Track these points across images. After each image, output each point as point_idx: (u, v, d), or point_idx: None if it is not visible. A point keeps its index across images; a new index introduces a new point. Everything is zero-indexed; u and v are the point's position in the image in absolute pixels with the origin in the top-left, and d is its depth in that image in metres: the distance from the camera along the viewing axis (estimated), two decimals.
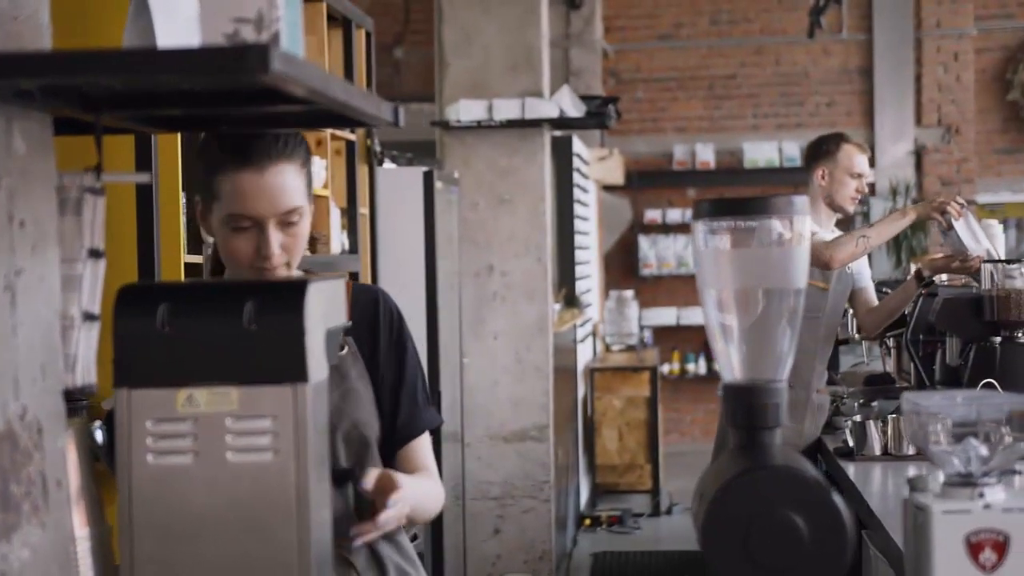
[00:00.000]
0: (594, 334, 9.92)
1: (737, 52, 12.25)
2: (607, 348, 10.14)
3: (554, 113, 6.34)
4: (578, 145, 9.03)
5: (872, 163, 11.84)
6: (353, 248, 5.15)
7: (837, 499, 1.61)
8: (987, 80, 12.22)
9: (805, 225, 1.79)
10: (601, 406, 8.97)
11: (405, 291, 5.58)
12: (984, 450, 1.73)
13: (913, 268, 5.08)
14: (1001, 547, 1.69)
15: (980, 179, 12.21)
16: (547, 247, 6.62)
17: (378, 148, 5.39)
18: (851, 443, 4.36)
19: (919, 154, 12.02)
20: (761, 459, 1.70)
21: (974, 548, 1.69)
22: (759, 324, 1.80)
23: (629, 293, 10.20)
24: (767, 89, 12.22)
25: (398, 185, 5.69)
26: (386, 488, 2.08)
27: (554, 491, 6.74)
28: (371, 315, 2.38)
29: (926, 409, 1.75)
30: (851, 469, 4.19)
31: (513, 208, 6.57)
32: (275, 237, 2.12)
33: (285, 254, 2.15)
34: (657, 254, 11.91)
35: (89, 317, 1.54)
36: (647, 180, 11.99)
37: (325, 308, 1.70)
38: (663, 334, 11.61)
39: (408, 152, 7.52)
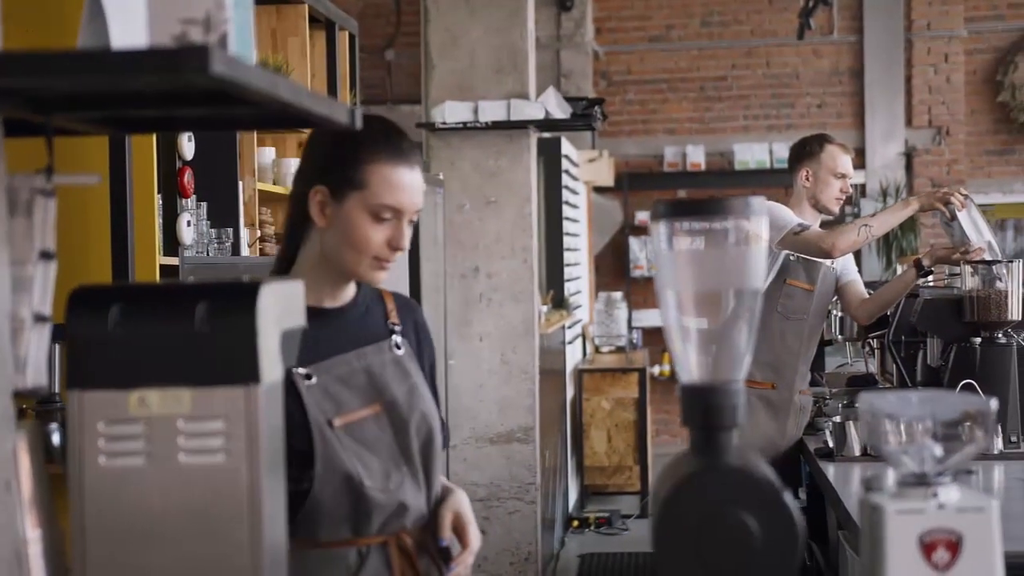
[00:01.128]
0: (583, 336, 9.93)
1: (728, 54, 12.26)
2: (596, 350, 10.14)
3: (540, 115, 6.35)
4: (567, 147, 9.03)
5: (862, 164, 11.96)
6: None
7: (789, 500, 1.61)
8: (978, 81, 12.23)
9: (763, 226, 1.79)
10: (590, 407, 8.97)
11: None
12: (938, 450, 1.74)
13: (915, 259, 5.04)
14: (954, 547, 1.70)
15: (971, 180, 12.21)
16: (533, 249, 6.62)
17: None
18: (831, 444, 4.36)
19: (909, 155, 12.03)
20: (715, 460, 1.71)
21: (927, 548, 1.70)
22: (717, 325, 1.81)
23: (618, 295, 10.20)
24: (758, 91, 12.23)
25: None
26: (458, 528, 2.44)
27: (540, 493, 6.74)
28: (412, 326, 2.51)
29: (880, 409, 1.75)
30: (831, 470, 4.19)
31: (499, 210, 6.57)
32: (407, 233, 2.28)
33: (403, 251, 2.31)
34: (648, 256, 11.92)
35: (40, 319, 1.55)
36: (638, 182, 11.99)
37: (281, 310, 1.70)
38: (654, 336, 11.61)
39: None
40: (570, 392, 8.83)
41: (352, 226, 2.25)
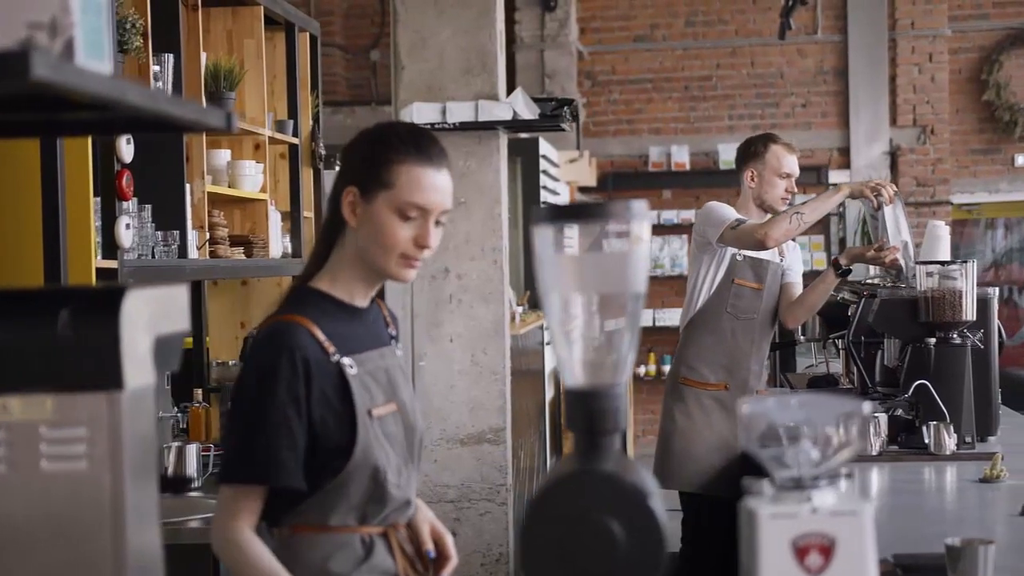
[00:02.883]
0: None
1: (712, 54, 12.25)
2: None
3: (507, 115, 6.34)
4: (545, 147, 9.02)
5: (847, 164, 11.94)
6: (296, 252, 5.15)
7: (656, 507, 1.61)
8: (963, 80, 12.22)
9: (644, 230, 1.79)
10: None
11: None
12: (815, 454, 1.73)
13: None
14: (827, 550, 1.69)
15: (956, 179, 12.22)
16: (503, 249, 6.61)
17: (323, 151, 5.39)
18: None
19: (894, 155, 12.02)
20: (592, 464, 1.70)
21: (800, 552, 1.69)
22: (598, 328, 1.81)
23: None
24: (742, 90, 12.22)
25: None
26: (436, 539, 2.56)
27: (513, 494, 6.74)
28: (397, 336, 2.66)
29: (758, 412, 1.75)
30: None
31: (469, 211, 6.56)
32: (434, 232, 2.40)
33: (430, 249, 2.41)
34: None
35: None
36: (623, 182, 11.99)
37: (155, 315, 1.69)
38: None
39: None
40: (549, 393, 8.81)
41: (380, 224, 2.36)
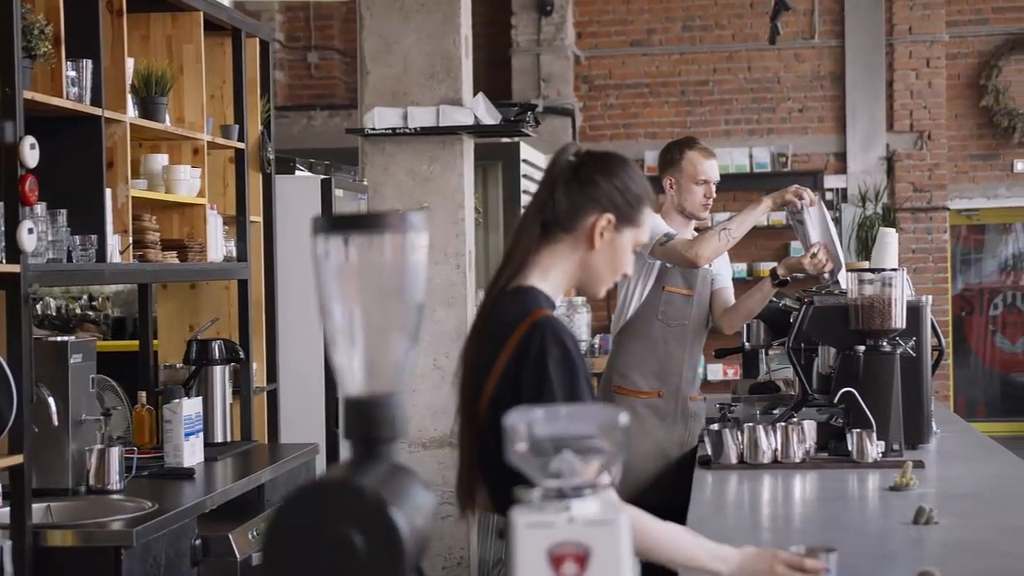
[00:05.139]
0: None
1: (709, 58, 12.24)
2: None
3: (469, 120, 6.35)
4: (528, 151, 9.04)
5: (843, 169, 11.91)
6: (242, 255, 5.18)
7: (396, 517, 1.62)
8: (961, 86, 12.18)
9: (421, 240, 1.81)
10: None
11: (307, 300, 5.61)
12: (576, 464, 1.75)
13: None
14: (582, 559, 1.71)
15: (955, 185, 12.17)
16: (467, 254, 6.62)
17: (271, 156, 5.41)
18: (709, 451, 4.36)
19: (891, 160, 11.98)
20: (360, 473, 1.72)
21: (556, 561, 1.71)
22: (377, 337, 1.82)
23: (580, 299, 10.18)
24: (739, 95, 12.21)
25: (300, 193, 5.72)
26: None
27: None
28: None
29: (522, 422, 1.76)
30: (708, 478, 4.18)
31: (432, 215, 6.57)
32: None
33: None
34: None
35: None
36: None
37: None
38: None
39: (339, 160, 7.55)
40: None
41: (621, 253, 2.63)
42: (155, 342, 5.44)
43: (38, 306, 9.33)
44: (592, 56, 12.33)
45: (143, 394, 5.03)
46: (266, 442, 5.46)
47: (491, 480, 2.68)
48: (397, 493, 1.69)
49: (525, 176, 8.83)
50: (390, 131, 6.38)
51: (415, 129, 6.37)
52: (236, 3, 11.10)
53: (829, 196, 11.97)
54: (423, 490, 1.79)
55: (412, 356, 1.83)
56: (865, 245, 11.59)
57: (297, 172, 6.18)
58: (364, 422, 1.79)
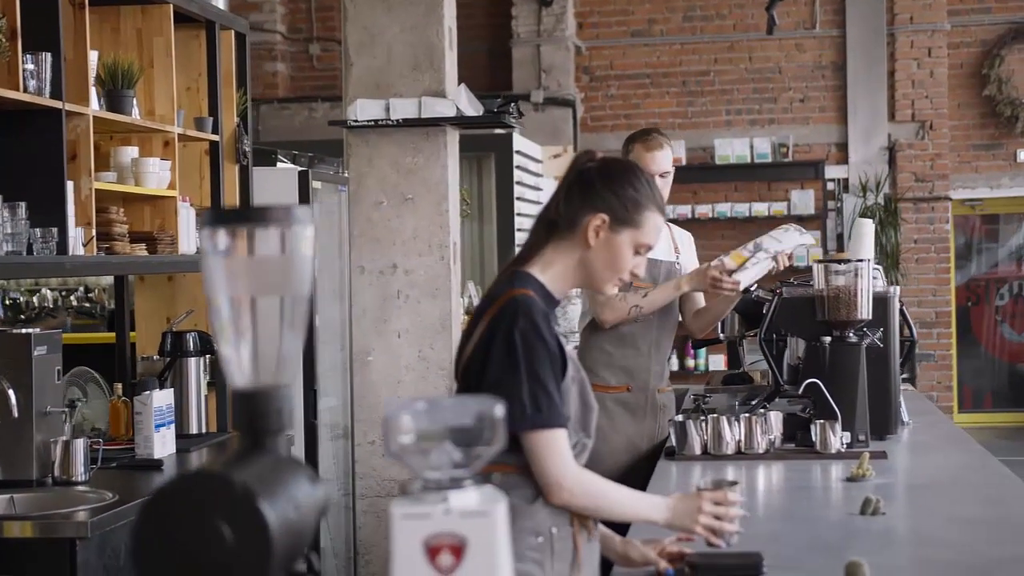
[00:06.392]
0: None
1: (710, 48, 12.22)
2: None
3: (451, 112, 6.35)
4: (522, 142, 9.03)
5: (845, 159, 11.88)
6: None
7: (266, 508, 1.62)
8: (964, 75, 12.13)
9: (306, 234, 1.82)
10: None
11: None
12: (457, 455, 1.75)
13: None
14: (458, 550, 1.71)
15: (958, 174, 12.13)
16: (451, 246, 6.63)
17: (247, 148, 5.43)
18: (673, 442, 4.36)
19: (892, 150, 11.95)
20: (244, 464, 1.73)
21: (432, 551, 1.71)
22: (263, 330, 1.83)
23: (574, 291, 10.16)
24: (740, 85, 12.19)
25: (278, 186, 5.73)
26: None
27: None
28: None
29: (397, 415, 1.77)
30: (672, 469, 4.18)
31: (416, 207, 6.58)
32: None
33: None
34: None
35: None
36: None
37: None
38: None
39: (327, 152, 7.57)
40: None
41: (619, 254, 2.73)
42: (132, 334, 5.46)
43: (35, 298, 9.39)
44: (593, 47, 12.32)
45: (119, 386, 5.05)
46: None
47: None
48: (274, 485, 1.70)
49: (519, 167, 8.82)
50: (372, 123, 6.40)
51: (397, 121, 6.38)
52: None
53: (831, 186, 11.95)
54: (308, 483, 1.80)
55: (298, 350, 1.84)
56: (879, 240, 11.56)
57: (279, 164, 6.19)
58: (250, 414, 1.80)
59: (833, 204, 11.95)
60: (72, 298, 9.20)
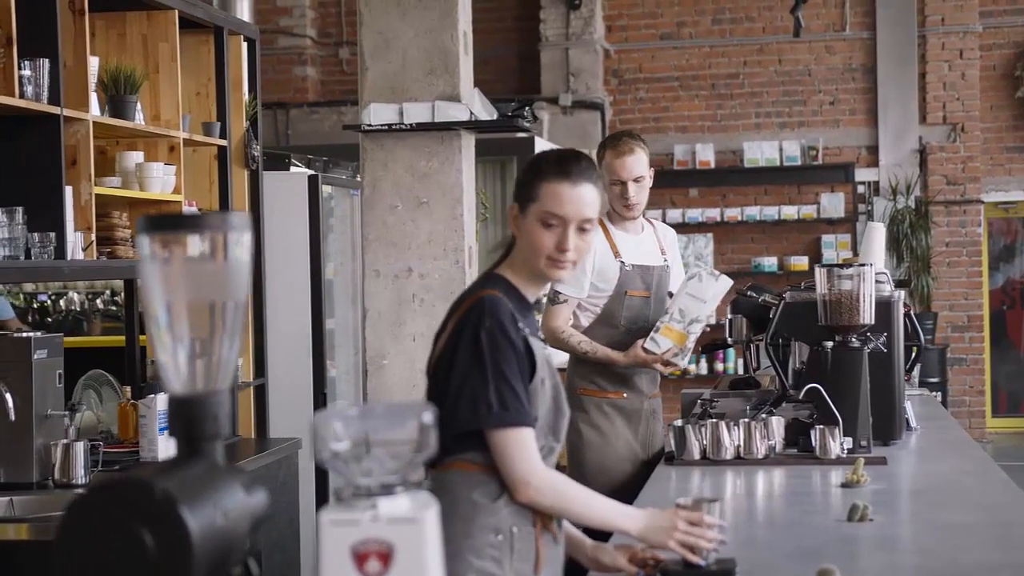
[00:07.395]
0: None
1: (739, 51, 12.18)
2: None
3: (464, 116, 6.35)
4: (545, 146, 9.02)
5: (875, 162, 11.80)
6: None
7: (187, 516, 1.62)
8: (996, 77, 12.03)
9: (243, 240, 1.82)
10: None
11: (295, 294, 5.65)
12: (388, 462, 1.75)
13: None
14: (386, 556, 1.71)
15: (991, 177, 12.02)
16: (466, 250, 6.63)
17: (257, 153, 5.45)
18: (672, 447, 4.34)
19: (923, 153, 11.86)
20: (177, 469, 1.74)
21: (360, 558, 1.71)
22: (199, 336, 1.84)
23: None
24: (769, 88, 12.14)
25: (288, 190, 5.75)
26: None
27: None
28: None
29: (331, 420, 1.77)
30: (672, 474, 4.17)
31: (431, 211, 6.59)
32: (572, 238, 2.69)
33: (575, 254, 2.72)
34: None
35: None
36: None
37: None
38: None
39: (354, 157, 7.58)
40: None
41: (530, 232, 2.73)
42: (143, 337, 5.48)
43: (62, 301, 9.47)
44: (621, 50, 12.30)
45: (128, 389, 5.08)
46: (252, 437, 5.50)
47: None
48: (201, 491, 1.70)
49: None
50: (386, 127, 6.41)
51: (411, 125, 6.39)
52: None
53: (861, 189, 11.89)
54: (241, 490, 1.80)
55: (234, 355, 1.84)
56: (896, 240, 11.49)
57: (292, 168, 6.22)
58: (186, 420, 1.80)
59: (863, 207, 11.89)
60: (99, 301, 9.26)
